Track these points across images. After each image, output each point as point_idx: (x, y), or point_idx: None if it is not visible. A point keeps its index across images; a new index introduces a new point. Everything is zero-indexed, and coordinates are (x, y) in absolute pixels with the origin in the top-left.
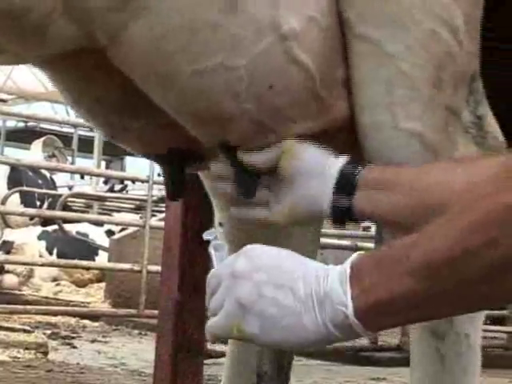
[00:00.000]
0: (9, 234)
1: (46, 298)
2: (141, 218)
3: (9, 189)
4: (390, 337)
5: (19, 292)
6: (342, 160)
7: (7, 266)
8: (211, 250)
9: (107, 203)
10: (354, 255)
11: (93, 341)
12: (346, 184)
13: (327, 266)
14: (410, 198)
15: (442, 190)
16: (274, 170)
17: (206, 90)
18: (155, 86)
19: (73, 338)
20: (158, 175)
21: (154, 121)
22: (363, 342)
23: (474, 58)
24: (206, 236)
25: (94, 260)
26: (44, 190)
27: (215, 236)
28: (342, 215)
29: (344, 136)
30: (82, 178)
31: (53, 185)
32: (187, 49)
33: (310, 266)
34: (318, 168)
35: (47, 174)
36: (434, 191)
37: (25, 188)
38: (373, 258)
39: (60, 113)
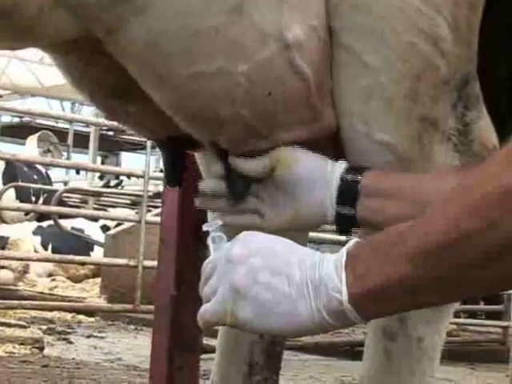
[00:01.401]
0: (4, 230)
1: (42, 293)
2: (136, 213)
3: (4, 184)
4: None
5: (14, 287)
6: (342, 165)
7: (2, 262)
8: (209, 242)
9: (103, 198)
10: (351, 242)
11: (88, 336)
12: (348, 192)
13: (323, 253)
14: (413, 207)
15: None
16: (266, 178)
17: (201, 93)
18: (150, 83)
19: (68, 333)
20: (154, 170)
21: (153, 108)
22: (359, 336)
23: (464, 64)
24: (205, 227)
25: (89, 255)
26: (39, 186)
27: (215, 228)
28: (347, 224)
29: (331, 144)
30: (78, 173)
31: (48, 180)
32: (186, 51)
33: (305, 252)
34: (318, 175)
35: (42, 169)
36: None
37: (20, 183)
38: (369, 244)
39: (55, 108)
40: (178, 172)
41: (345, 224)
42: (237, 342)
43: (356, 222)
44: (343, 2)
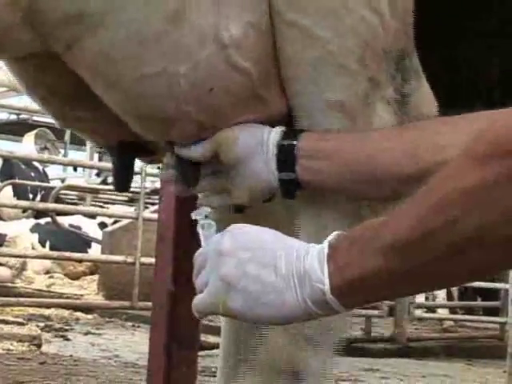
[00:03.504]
0: (1, 227)
1: (39, 290)
2: (134, 210)
3: (1, 181)
4: (382, 328)
5: (12, 285)
6: (279, 131)
7: (0, 259)
8: (199, 229)
9: (100, 195)
10: (333, 234)
11: (86, 333)
12: (286, 157)
13: (308, 244)
14: (353, 165)
15: (387, 156)
16: (215, 160)
17: (148, 94)
18: (102, 89)
19: (66, 330)
20: (151, 167)
21: (105, 113)
22: (356, 333)
23: (400, 38)
24: (194, 215)
25: (86, 252)
26: (37, 183)
27: (204, 215)
28: (290, 188)
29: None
30: (75, 170)
31: (45, 177)
32: (132, 57)
33: (291, 245)
34: (256, 147)
35: (40, 166)
36: (379, 158)
37: (17, 180)
38: (348, 238)
39: None
40: (127, 177)
41: (288, 189)
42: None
43: (299, 185)
44: None
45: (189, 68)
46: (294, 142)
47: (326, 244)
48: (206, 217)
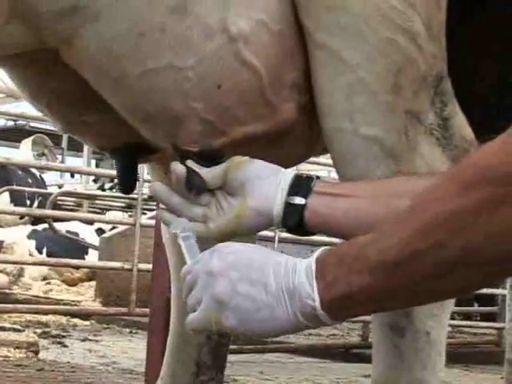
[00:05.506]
0: None
1: (37, 296)
2: (131, 216)
3: None
4: None
5: (9, 291)
6: (293, 172)
7: None
8: (180, 242)
9: (97, 202)
10: (319, 250)
11: (83, 339)
12: (301, 186)
13: (294, 259)
14: (372, 205)
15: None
16: (219, 188)
17: (154, 91)
18: (106, 88)
19: (63, 336)
20: (148, 173)
21: (111, 115)
22: (354, 339)
23: (438, 61)
24: (173, 230)
25: (84, 259)
26: (34, 189)
27: (182, 227)
28: (294, 215)
29: (293, 138)
30: (72, 176)
31: (43, 183)
32: (135, 52)
33: (278, 261)
34: (269, 174)
35: (37, 172)
36: (397, 198)
37: (14, 187)
38: (335, 254)
39: None
40: (132, 179)
41: (291, 215)
42: (185, 342)
43: (302, 214)
44: (313, 1)
45: (196, 61)
46: (312, 179)
47: (313, 260)
48: (184, 229)
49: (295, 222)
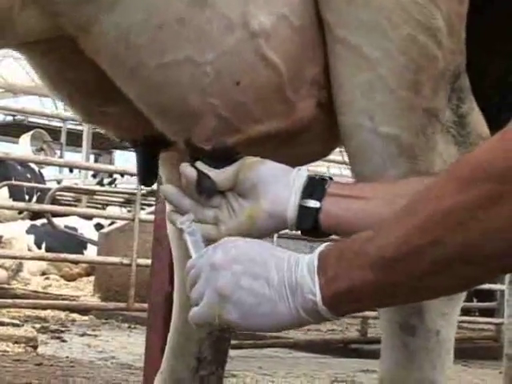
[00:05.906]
0: None
1: (35, 291)
2: (130, 211)
3: None
4: (379, 329)
5: (8, 286)
6: (306, 171)
7: None
8: (186, 237)
9: (96, 197)
10: (322, 246)
11: (82, 334)
12: (314, 189)
13: (297, 255)
14: (383, 207)
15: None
16: (230, 189)
17: (170, 84)
18: (122, 78)
19: (62, 331)
20: None
21: (129, 107)
22: (352, 334)
23: (456, 56)
24: (179, 224)
25: (82, 254)
26: (33, 184)
27: (188, 223)
28: (308, 218)
29: (310, 135)
30: (71, 171)
31: (41, 178)
32: (153, 43)
33: (282, 256)
34: (282, 175)
35: (36, 167)
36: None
37: (13, 182)
38: (337, 250)
39: (48, 106)
40: (153, 171)
41: (305, 218)
42: (186, 337)
43: (317, 217)
44: None
45: (214, 56)
46: (326, 179)
47: (315, 255)
48: (190, 224)
49: (310, 225)
